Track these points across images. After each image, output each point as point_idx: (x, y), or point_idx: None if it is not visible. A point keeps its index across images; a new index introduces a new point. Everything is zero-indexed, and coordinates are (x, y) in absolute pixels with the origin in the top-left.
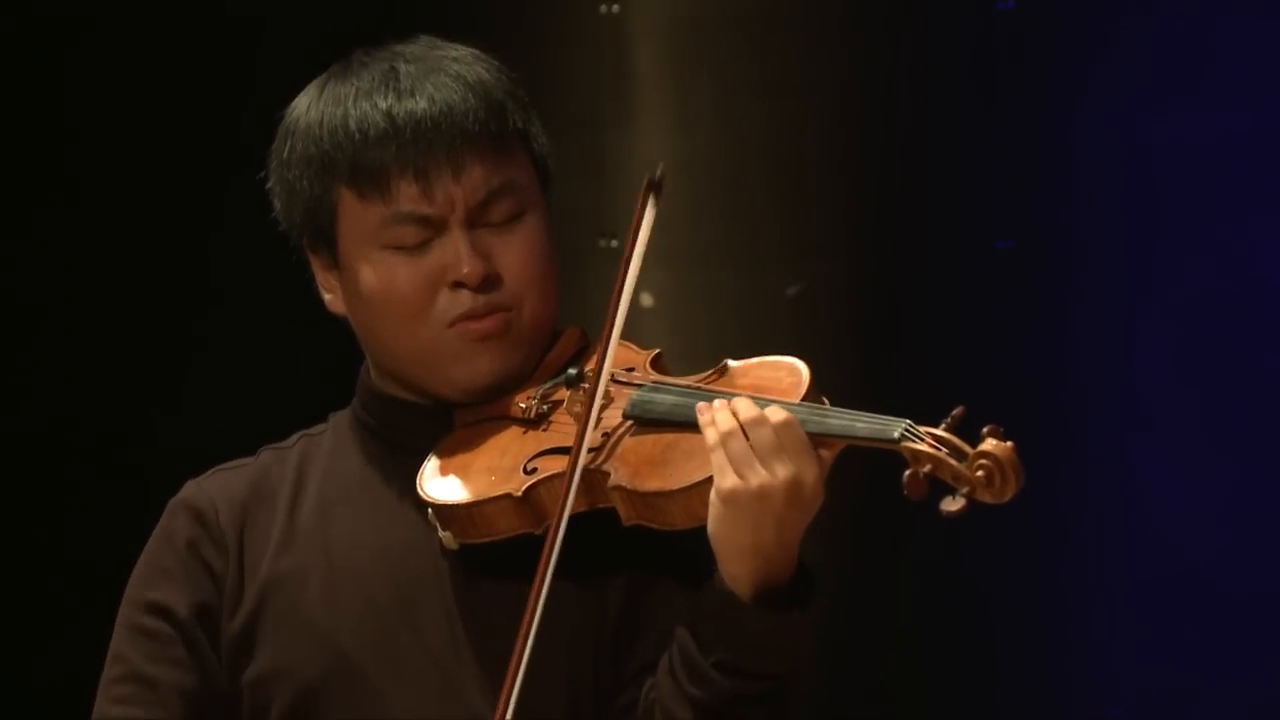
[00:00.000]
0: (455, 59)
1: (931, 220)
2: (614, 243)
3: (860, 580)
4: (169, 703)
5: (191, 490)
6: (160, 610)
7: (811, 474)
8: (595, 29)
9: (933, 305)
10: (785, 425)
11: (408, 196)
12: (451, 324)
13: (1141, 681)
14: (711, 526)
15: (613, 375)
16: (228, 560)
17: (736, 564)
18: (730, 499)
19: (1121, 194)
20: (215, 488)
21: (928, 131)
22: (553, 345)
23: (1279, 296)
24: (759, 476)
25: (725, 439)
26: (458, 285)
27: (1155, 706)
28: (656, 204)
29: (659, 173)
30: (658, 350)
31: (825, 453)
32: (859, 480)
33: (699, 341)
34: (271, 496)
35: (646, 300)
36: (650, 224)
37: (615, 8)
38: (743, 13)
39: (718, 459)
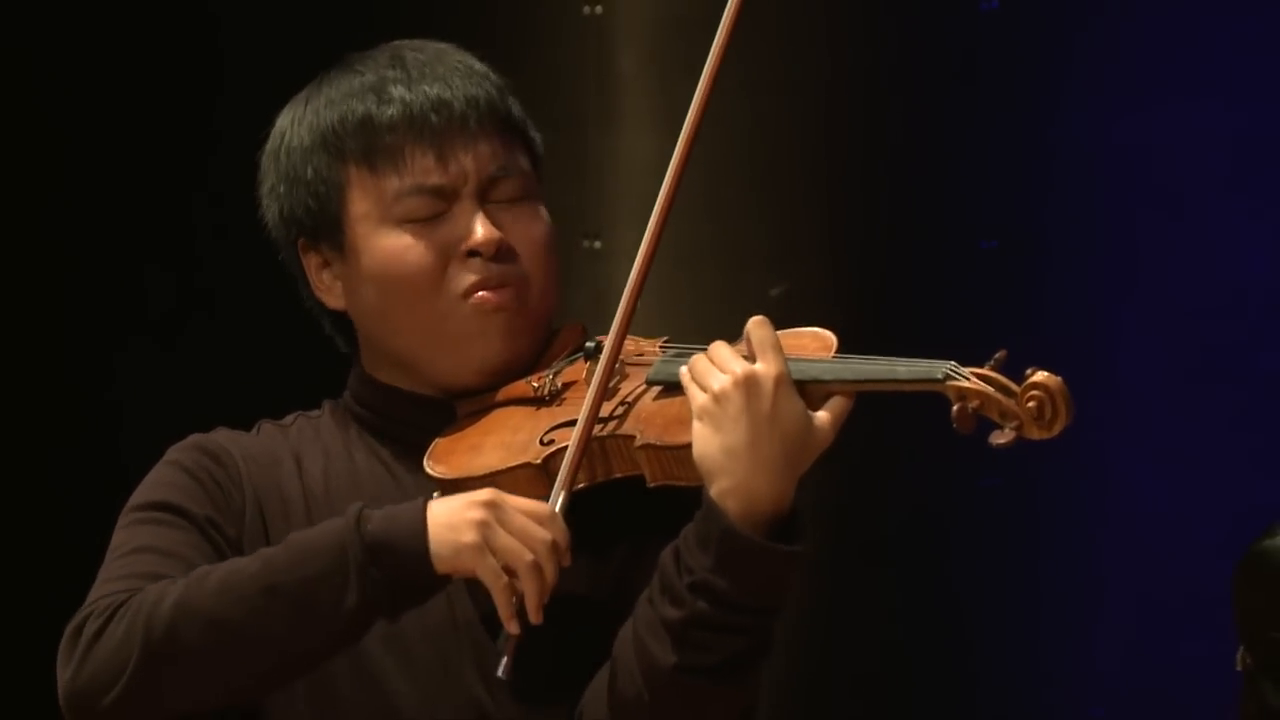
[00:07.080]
0: (455, 51)
1: (915, 220)
2: (597, 244)
3: (841, 579)
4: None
5: (199, 437)
6: (171, 508)
7: (771, 370)
8: (578, 30)
9: (917, 305)
10: (756, 324)
11: (422, 168)
12: (466, 295)
13: (1125, 681)
14: (694, 449)
15: (626, 360)
16: (245, 501)
17: (716, 478)
18: (701, 415)
19: (1105, 193)
20: (225, 438)
21: (912, 131)
22: (553, 341)
23: (1261, 295)
24: (718, 380)
25: (691, 364)
26: (471, 255)
27: (1138, 706)
28: None
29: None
30: (665, 338)
31: (841, 400)
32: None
33: (682, 343)
34: (277, 462)
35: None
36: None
37: (598, 9)
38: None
39: (691, 389)
